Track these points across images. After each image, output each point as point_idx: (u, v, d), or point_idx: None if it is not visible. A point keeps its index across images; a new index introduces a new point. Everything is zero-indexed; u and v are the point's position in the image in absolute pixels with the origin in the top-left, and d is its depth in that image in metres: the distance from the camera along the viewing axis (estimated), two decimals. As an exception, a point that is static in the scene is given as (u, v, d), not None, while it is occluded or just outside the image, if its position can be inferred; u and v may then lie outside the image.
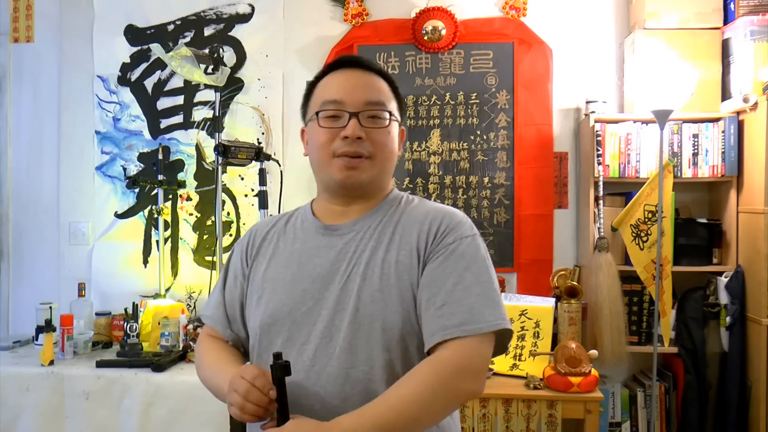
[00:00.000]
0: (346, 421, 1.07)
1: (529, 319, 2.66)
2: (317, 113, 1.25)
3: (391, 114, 1.25)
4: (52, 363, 2.54)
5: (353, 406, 1.10)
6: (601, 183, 2.76)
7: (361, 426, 1.05)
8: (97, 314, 2.95)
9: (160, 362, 2.49)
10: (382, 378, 1.14)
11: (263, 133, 3.14)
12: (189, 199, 3.20)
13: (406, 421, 1.07)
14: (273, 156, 2.87)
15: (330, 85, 1.27)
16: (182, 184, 3.16)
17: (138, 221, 3.22)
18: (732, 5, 2.74)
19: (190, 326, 2.79)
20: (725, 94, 2.76)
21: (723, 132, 2.73)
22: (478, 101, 3.04)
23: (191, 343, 2.67)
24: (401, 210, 1.27)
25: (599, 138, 2.76)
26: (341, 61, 1.30)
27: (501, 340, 1.19)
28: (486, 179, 3.04)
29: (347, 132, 1.21)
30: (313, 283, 1.21)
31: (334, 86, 1.26)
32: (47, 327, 2.63)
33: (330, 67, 1.30)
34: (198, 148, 3.18)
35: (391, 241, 1.21)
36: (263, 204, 2.82)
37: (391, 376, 1.15)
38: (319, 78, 1.31)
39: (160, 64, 3.18)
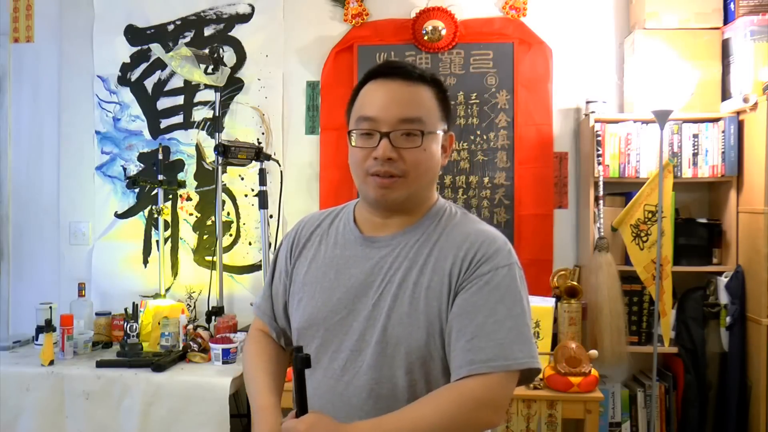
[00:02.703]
0: (363, 426, 1.09)
1: (529, 319, 2.66)
2: (350, 132, 1.23)
3: (423, 133, 1.19)
4: (52, 363, 2.54)
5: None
6: (601, 183, 2.76)
7: None
8: (97, 314, 2.94)
9: (160, 362, 2.49)
10: (404, 398, 1.16)
11: (263, 133, 3.14)
12: (189, 199, 3.20)
13: None
14: (273, 156, 2.87)
15: (366, 98, 1.23)
16: (182, 184, 3.16)
17: (138, 221, 3.22)
18: (732, 5, 2.74)
19: (190, 326, 2.79)
20: (725, 94, 2.76)
21: (723, 132, 2.73)
22: (478, 101, 3.04)
23: (191, 343, 2.67)
24: (441, 228, 1.24)
25: (599, 138, 2.76)
26: (380, 69, 1.24)
27: (528, 375, 1.17)
28: (486, 179, 3.04)
29: (377, 153, 1.18)
30: (347, 293, 1.22)
31: (369, 101, 1.22)
32: (47, 327, 2.62)
33: (369, 76, 1.25)
34: (198, 148, 3.18)
35: (425, 264, 1.20)
36: (263, 204, 2.82)
37: (413, 397, 1.16)
38: (360, 85, 1.26)
39: (160, 64, 3.18)
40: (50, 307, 2.78)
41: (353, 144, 1.23)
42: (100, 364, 2.52)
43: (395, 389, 1.17)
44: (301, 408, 1.08)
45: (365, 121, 1.20)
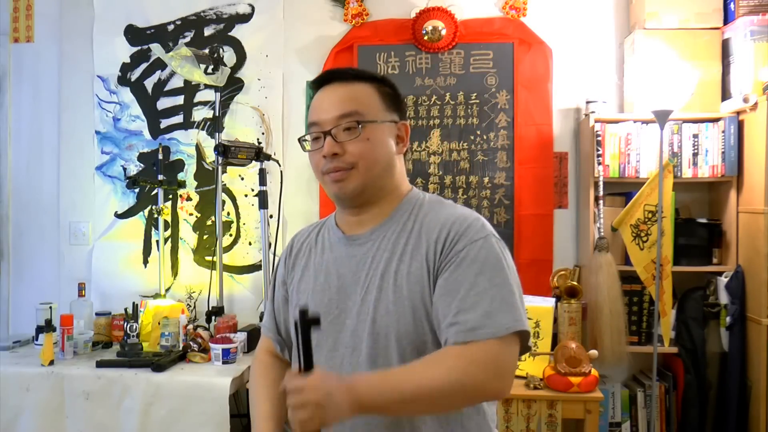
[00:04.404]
0: (369, 379, 1.11)
1: (529, 319, 2.65)
2: (300, 139, 1.32)
3: (359, 123, 1.24)
4: (52, 363, 2.54)
5: (371, 416, 1.16)
6: (601, 183, 2.76)
7: (380, 388, 1.09)
8: (97, 314, 2.94)
9: (160, 362, 2.49)
10: None
11: (263, 133, 3.14)
12: (189, 199, 3.20)
13: (424, 399, 1.09)
14: (273, 156, 2.88)
15: (312, 107, 1.31)
16: (182, 184, 3.16)
17: (138, 221, 3.22)
18: (732, 5, 2.74)
19: (190, 326, 2.79)
20: (725, 94, 2.76)
21: (723, 132, 2.73)
22: (478, 101, 3.04)
23: (191, 343, 2.67)
24: (415, 216, 1.27)
25: (599, 138, 2.76)
26: (319, 79, 1.33)
27: (523, 342, 1.18)
28: (486, 179, 3.04)
29: (323, 151, 1.25)
30: (338, 293, 1.27)
31: (313, 108, 1.30)
32: (47, 327, 2.62)
33: (314, 86, 1.33)
34: (198, 148, 3.18)
35: (404, 252, 1.23)
36: (263, 204, 2.82)
37: None
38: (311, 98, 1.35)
39: (160, 64, 3.18)
40: (50, 307, 2.77)
41: (306, 149, 1.31)
42: (100, 364, 2.52)
43: None
44: (307, 363, 1.08)
45: (312, 126, 1.28)
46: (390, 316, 1.19)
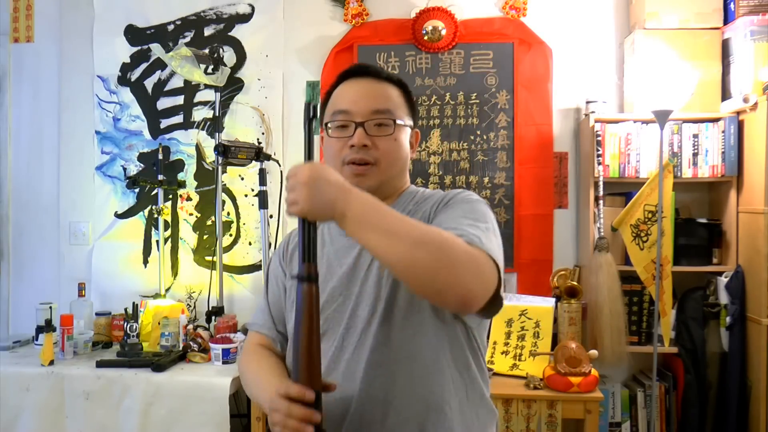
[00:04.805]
0: (366, 195, 1.07)
1: (529, 319, 2.66)
2: (327, 124, 1.32)
3: (395, 121, 1.29)
4: (52, 363, 2.54)
5: (379, 387, 1.18)
6: (601, 183, 2.76)
7: (371, 207, 1.06)
8: (97, 314, 2.94)
9: (160, 362, 2.49)
10: (397, 357, 1.19)
11: (263, 133, 3.14)
12: (189, 199, 3.20)
13: (404, 240, 1.03)
14: (273, 156, 2.88)
15: (340, 95, 1.32)
16: (182, 184, 3.16)
17: (138, 221, 3.22)
18: (732, 5, 2.74)
19: (190, 326, 2.79)
20: (725, 94, 2.76)
21: (723, 132, 2.73)
22: (478, 101, 3.04)
23: (191, 343, 2.67)
24: (415, 204, 1.32)
25: (599, 138, 2.76)
26: (352, 70, 1.35)
27: (494, 300, 1.13)
28: (486, 179, 3.04)
29: (353, 141, 1.27)
30: (340, 281, 1.27)
31: (343, 97, 1.31)
32: (47, 327, 2.62)
33: (342, 77, 1.35)
34: (198, 148, 3.18)
35: None
36: (263, 204, 2.82)
37: (411, 353, 1.19)
38: (334, 87, 1.36)
39: (160, 64, 3.18)
40: (50, 307, 2.78)
41: (329, 135, 1.31)
42: (100, 364, 2.52)
43: (391, 353, 1.19)
44: (309, 157, 1.10)
45: (340, 114, 1.30)
46: (391, 293, 1.20)
